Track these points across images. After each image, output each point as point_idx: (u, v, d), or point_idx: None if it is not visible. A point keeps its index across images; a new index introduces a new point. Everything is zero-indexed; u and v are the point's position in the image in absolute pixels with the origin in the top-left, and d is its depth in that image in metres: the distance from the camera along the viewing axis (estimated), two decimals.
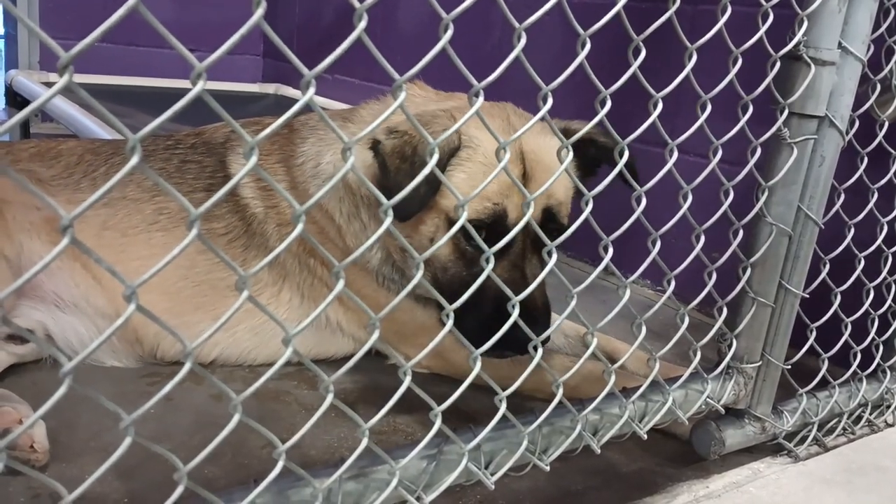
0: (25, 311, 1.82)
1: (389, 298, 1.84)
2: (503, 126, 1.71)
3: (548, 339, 1.47)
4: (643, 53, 1.18)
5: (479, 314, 1.50)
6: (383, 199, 0.95)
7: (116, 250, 1.87)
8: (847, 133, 1.55)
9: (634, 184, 1.28)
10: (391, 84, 0.92)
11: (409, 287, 1.04)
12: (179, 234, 1.92)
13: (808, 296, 1.63)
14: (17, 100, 4.17)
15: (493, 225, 1.60)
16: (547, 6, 1.03)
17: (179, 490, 0.84)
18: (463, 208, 0.99)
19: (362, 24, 0.83)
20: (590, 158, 1.78)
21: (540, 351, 1.24)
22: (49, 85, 4.04)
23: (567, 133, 1.47)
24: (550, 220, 1.68)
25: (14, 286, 0.67)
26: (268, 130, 0.80)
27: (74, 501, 0.74)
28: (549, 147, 1.67)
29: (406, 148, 1.59)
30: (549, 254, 1.18)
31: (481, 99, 1.00)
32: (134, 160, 0.68)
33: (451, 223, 1.62)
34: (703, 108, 1.33)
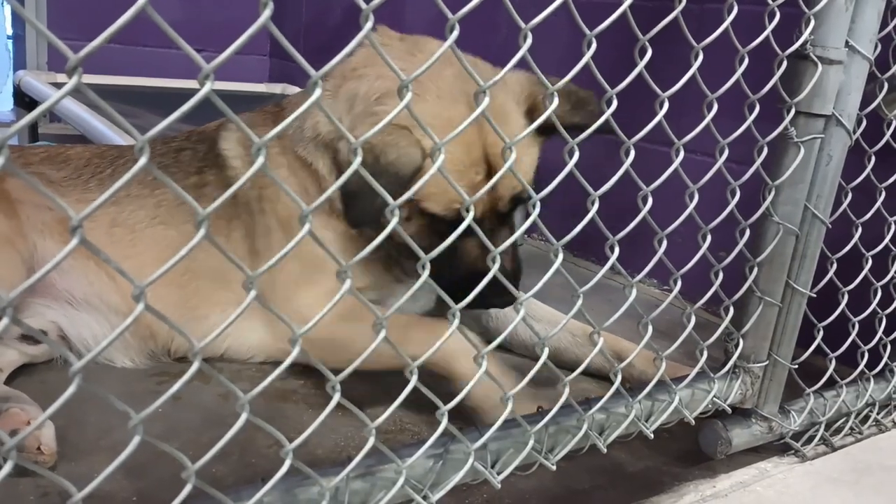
0: (39, 310, 1.84)
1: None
2: (466, 113, 1.64)
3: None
4: (649, 53, 1.18)
5: (457, 279, 1.56)
6: (386, 199, 0.95)
7: (127, 245, 1.91)
8: (854, 132, 1.54)
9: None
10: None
11: (419, 283, 1.05)
12: (177, 222, 1.96)
13: (815, 295, 1.62)
14: (25, 100, 4.18)
15: (458, 220, 1.62)
16: (553, 6, 1.03)
17: (188, 489, 0.85)
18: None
19: (368, 25, 0.83)
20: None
21: (546, 350, 1.25)
22: (57, 85, 4.05)
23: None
24: (520, 202, 1.73)
25: (22, 287, 0.67)
26: (273, 132, 0.81)
27: (83, 500, 0.75)
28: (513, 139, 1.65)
29: (366, 158, 1.59)
30: (555, 253, 1.18)
31: (487, 99, 1.00)
32: (142, 161, 0.68)
33: (422, 212, 1.68)
34: (710, 108, 1.33)
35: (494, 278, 1.12)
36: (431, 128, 0.99)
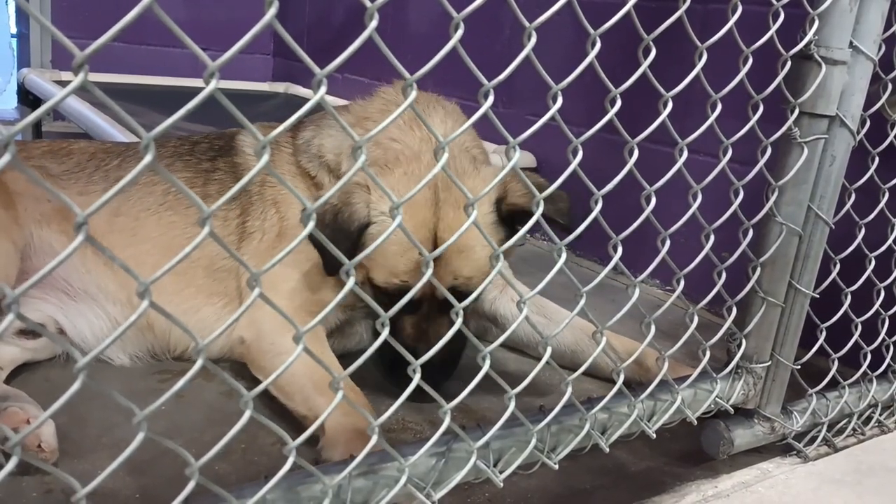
0: (35, 304, 1.83)
1: None
2: (430, 198, 1.71)
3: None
4: (653, 52, 1.18)
5: (390, 359, 1.72)
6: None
7: (128, 234, 1.91)
8: (858, 132, 1.54)
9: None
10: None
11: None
12: (182, 206, 1.97)
13: (818, 296, 1.62)
14: (29, 98, 4.19)
15: (398, 295, 1.63)
16: (557, 5, 1.03)
17: (191, 486, 0.85)
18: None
19: (373, 24, 0.83)
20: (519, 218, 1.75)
21: (549, 350, 1.25)
22: (61, 83, 4.05)
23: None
24: (458, 296, 1.71)
25: (28, 284, 0.67)
26: (280, 128, 0.82)
27: (87, 496, 0.75)
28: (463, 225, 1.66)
29: (326, 216, 1.66)
30: (558, 253, 1.18)
31: (491, 98, 1.00)
32: (147, 158, 0.68)
33: (370, 281, 1.74)
34: (714, 108, 1.33)
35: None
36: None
